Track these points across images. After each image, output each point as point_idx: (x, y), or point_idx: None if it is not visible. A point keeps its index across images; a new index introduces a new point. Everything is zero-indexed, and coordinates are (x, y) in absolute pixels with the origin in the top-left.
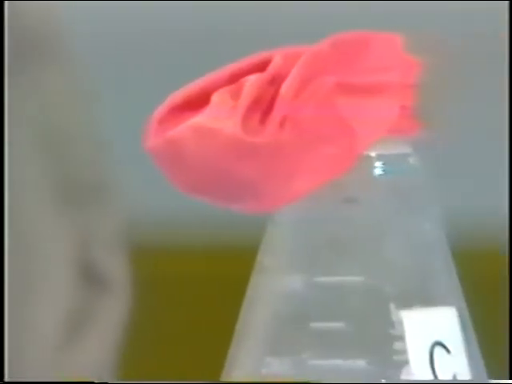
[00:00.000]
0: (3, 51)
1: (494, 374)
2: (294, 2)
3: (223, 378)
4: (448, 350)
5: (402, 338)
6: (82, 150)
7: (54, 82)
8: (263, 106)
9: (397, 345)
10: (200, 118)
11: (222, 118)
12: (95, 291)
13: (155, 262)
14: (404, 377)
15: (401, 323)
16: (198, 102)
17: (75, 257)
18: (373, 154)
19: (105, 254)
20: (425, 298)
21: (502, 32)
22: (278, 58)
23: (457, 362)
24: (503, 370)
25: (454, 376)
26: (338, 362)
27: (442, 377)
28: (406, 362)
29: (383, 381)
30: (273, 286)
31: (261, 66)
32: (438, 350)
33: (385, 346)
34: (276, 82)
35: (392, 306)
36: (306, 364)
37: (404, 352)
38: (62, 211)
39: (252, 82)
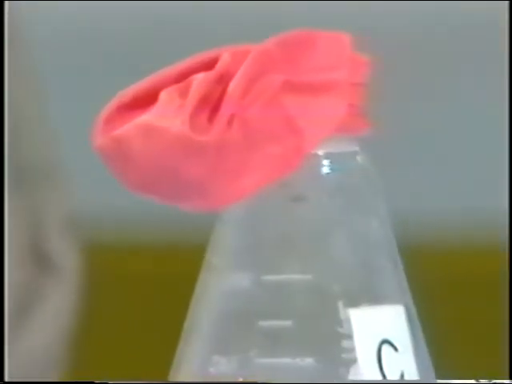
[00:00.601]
0: (3, 51)
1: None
2: (243, 2)
3: (171, 377)
4: (396, 348)
5: (349, 336)
6: (32, 135)
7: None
8: (211, 105)
9: (345, 343)
10: (147, 117)
11: (169, 116)
12: (44, 275)
13: (104, 261)
14: (352, 375)
15: (348, 321)
16: (146, 100)
17: (24, 241)
18: (320, 153)
19: (54, 239)
20: (372, 297)
21: (502, 32)
22: (225, 57)
23: (404, 360)
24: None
25: (402, 374)
26: (286, 360)
27: (389, 375)
28: (353, 361)
29: (335, 380)
30: (220, 285)
31: (209, 65)
32: (385, 348)
33: (333, 344)
34: (224, 80)
35: (340, 305)
36: (254, 362)
37: (352, 350)
38: (11, 195)
39: (200, 80)
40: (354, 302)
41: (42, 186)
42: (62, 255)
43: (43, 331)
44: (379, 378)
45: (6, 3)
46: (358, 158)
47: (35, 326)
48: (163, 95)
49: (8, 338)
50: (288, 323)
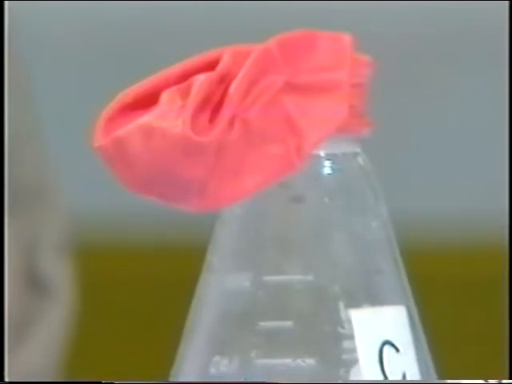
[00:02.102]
0: (3, 51)
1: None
2: (243, 3)
3: (172, 377)
4: (397, 349)
5: (351, 337)
6: (24, 154)
7: None
8: (212, 105)
9: (346, 344)
10: (148, 118)
11: (170, 117)
12: (38, 297)
13: (104, 261)
14: (353, 376)
15: (350, 322)
16: (148, 101)
17: (18, 262)
18: (321, 153)
19: (48, 260)
20: (373, 297)
21: (502, 32)
22: (226, 57)
23: (406, 360)
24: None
25: (404, 375)
26: (287, 360)
27: (391, 376)
28: (355, 361)
29: (336, 381)
30: (221, 285)
31: (210, 65)
32: (387, 349)
33: (334, 345)
34: (225, 81)
35: (341, 305)
36: (255, 363)
37: (353, 351)
38: (6, 218)
39: (201, 81)
40: (355, 303)
41: (34, 207)
42: (56, 277)
43: (37, 354)
44: (381, 378)
45: (6, 3)
46: (359, 158)
47: (29, 349)
48: (165, 96)
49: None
50: (289, 324)
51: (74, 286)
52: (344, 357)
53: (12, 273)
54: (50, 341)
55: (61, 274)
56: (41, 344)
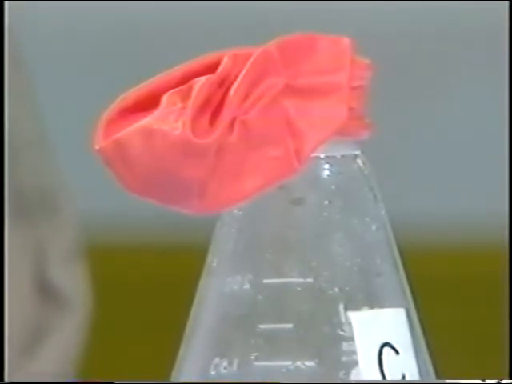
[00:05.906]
0: (3, 51)
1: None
2: (244, 4)
3: (172, 379)
4: (397, 351)
5: (350, 339)
6: (32, 161)
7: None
8: (212, 108)
9: (346, 346)
10: (148, 120)
11: (170, 119)
12: (50, 307)
13: (105, 262)
14: (353, 378)
15: (349, 324)
16: (148, 103)
17: (28, 272)
18: (321, 156)
19: (60, 269)
20: (373, 299)
21: (502, 32)
22: (226, 60)
23: (405, 362)
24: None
25: (403, 376)
26: (287, 363)
27: (390, 377)
28: (354, 364)
29: (339, 381)
30: (221, 287)
31: (210, 68)
32: (386, 351)
33: (334, 347)
34: (225, 83)
35: (340, 307)
36: (255, 365)
37: (353, 353)
38: (15, 226)
39: (201, 83)
40: (355, 305)
41: (44, 215)
42: (68, 285)
43: (50, 363)
44: None
45: (6, 3)
46: (359, 160)
47: (42, 359)
48: (165, 98)
49: (14, 368)
50: (289, 326)
51: (88, 294)
52: (344, 359)
53: (23, 282)
54: (63, 350)
55: (73, 282)
56: (54, 354)
